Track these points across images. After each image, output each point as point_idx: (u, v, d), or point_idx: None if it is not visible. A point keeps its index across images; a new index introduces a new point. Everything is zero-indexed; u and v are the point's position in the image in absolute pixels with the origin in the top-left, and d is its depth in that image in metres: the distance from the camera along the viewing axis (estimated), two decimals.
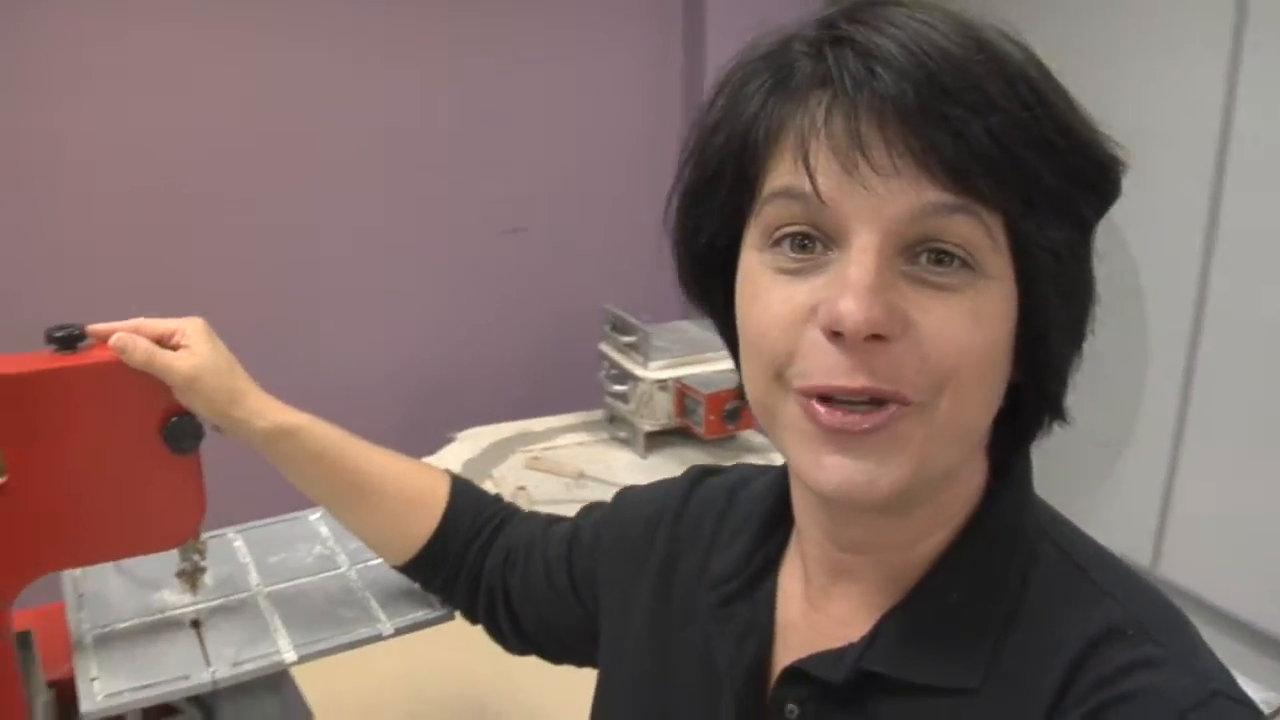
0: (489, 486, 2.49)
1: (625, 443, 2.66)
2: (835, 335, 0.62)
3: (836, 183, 0.62)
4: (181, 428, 1.03)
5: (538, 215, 3.04)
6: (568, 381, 2.97)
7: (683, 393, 2.55)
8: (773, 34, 0.68)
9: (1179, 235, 2.50)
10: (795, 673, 0.73)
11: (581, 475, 2.51)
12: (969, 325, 0.62)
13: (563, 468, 2.55)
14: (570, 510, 1.08)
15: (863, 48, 0.61)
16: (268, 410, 1.05)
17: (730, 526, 0.87)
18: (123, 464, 1.03)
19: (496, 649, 1.12)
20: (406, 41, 2.90)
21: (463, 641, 1.20)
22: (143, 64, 2.60)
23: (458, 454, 2.72)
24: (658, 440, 2.60)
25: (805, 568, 0.78)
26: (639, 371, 2.62)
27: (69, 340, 1.02)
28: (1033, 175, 0.61)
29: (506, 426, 2.85)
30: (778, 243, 0.66)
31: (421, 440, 2.64)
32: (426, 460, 2.14)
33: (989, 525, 0.71)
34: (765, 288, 0.66)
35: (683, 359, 2.62)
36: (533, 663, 1.11)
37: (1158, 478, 2.61)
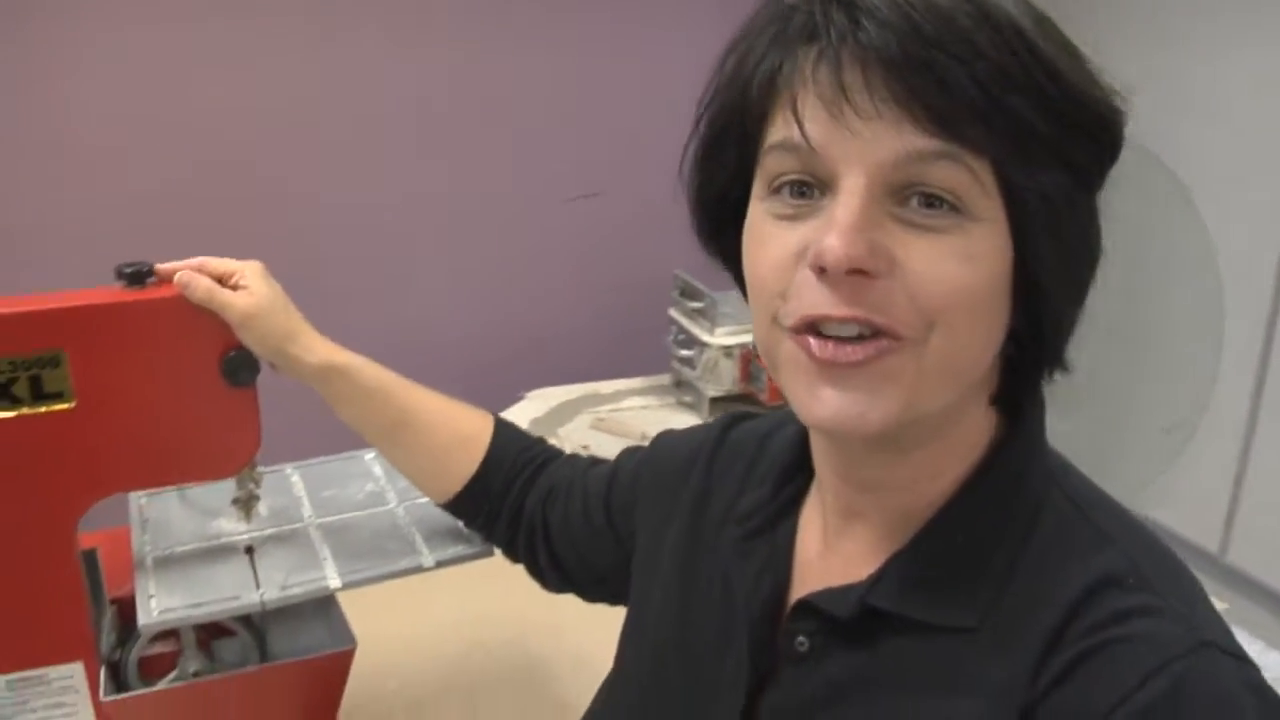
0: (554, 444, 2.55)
1: (690, 407, 2.70)
2: (821, 272, 0.64)
3: (824, 129, 0.64)
4: (239, 362, 1.09)
5: (611, 181, 3.08)
6: (636, 346, 3.00)
7: (748, 359, 2.57)
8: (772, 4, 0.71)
9: (1258, 217, 2.47)
10: (806, 607, 0.76)
11: (645, 437, 2.55)
12: (958, 264, 0.64)
13: (627, 429, 2.59)
14: None
15: (849, 2, 0.64)
16: (320, 348, 1.10)
17: (760, 469, 0.90)
18: (184, 394, 1.10)
19: (543, 598, 1.16)
20: (481, 12, 2.95)
21: (510, 590, 1.25)
22: (217, 40, 2.70)
23: (526, 412, 2.77)
24: (722, 406, 2.62)
25: (823, 510, 0.82)
26: (705, 337, 2.65)
27: (137, 276, 1.08)
28: (1021, 122, 0.63)
29: (575, 388, 2.90)
30: (777, 191, 0.68)
31: (492, 398, 2.68)
32: None
33: (995, 471, 0.74)
34: (766, 234, 0.69)
35: (749, 326, 2.64)
36: (578, 612, 1.15)
37: (1229, 464, 2.58)
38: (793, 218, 0.68)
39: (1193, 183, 2.69)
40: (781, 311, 0.68)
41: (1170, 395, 2.79)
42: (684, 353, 2.74)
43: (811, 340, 0.66)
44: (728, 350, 2.62)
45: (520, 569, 1.17)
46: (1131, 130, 0.69)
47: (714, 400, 2.59)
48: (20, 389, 1.04)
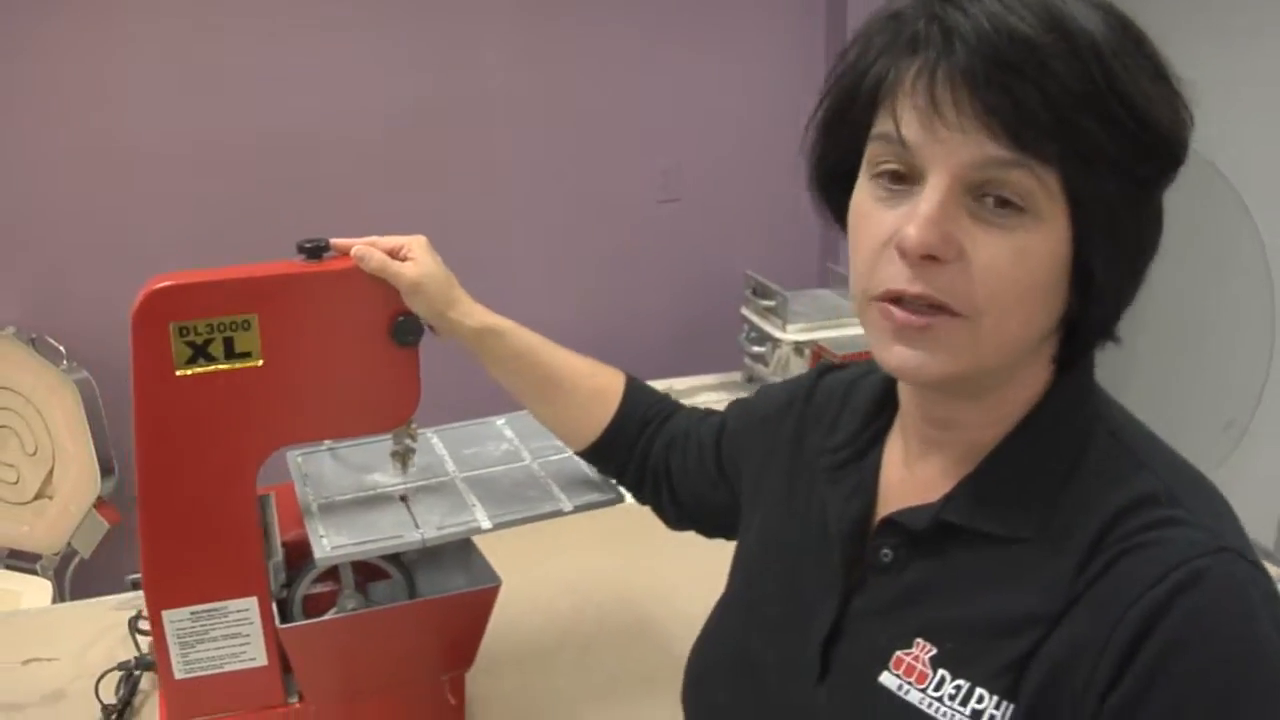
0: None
1: None
2: (902, 254, 0.78)
3: (917, 133, 0.78)
4: (407, 325, 1.23)
5: (689, 187, 3.23)
6: (710, 344, 3.14)
7: (819, 355, 2.68)
8: (895, 4, 0.84)
9: None
10: (890, 523, 0.90)
11: None
12: (1012, 261, 0.77)
13: None
14: None
15: (947, 25, 0.76)
16: (477, 313, 1.24)
17: (847, 411, 1.04)
18: (356, 354, 1.23)
19: (647, 563, 1.29)
20: (574, 24, 3.13)
21: (618, 554, 1.38)
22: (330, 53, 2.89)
23: None
24: None
25: (904, 442, 0.95)
26: (778, 334, 2.77)
27: (316, 251, 1.22)
28: (1088, 140, 0.75)
29: (651, 384, 3.03)
30: (879, 175, 0.82)
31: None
32: None
33: (1047, 412, 0.87)
34: (866, 213, 0.83)
35: (820, 323, 2.76)
36: (680, 575, 1.28)
37: None
38: (888, 200, 0.81)
39: (1243, 185, 2.78)
40: (870, 282, 0.82)
41: (1223, 393, 2.88)
42: (756, 349, 2.86)
43: (892, 308, 0.80)
44: (798, 346, 2.74)
45: (625, 537, 1.29)
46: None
47: None
48: (215, 349, 1.18)
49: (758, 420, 1.15)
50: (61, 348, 2.81)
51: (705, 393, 2.97)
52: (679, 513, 1.27)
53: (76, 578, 2.82)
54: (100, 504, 2.74)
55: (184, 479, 1.21)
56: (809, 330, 2.75)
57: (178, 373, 1.17)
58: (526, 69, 3.10)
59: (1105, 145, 0.75)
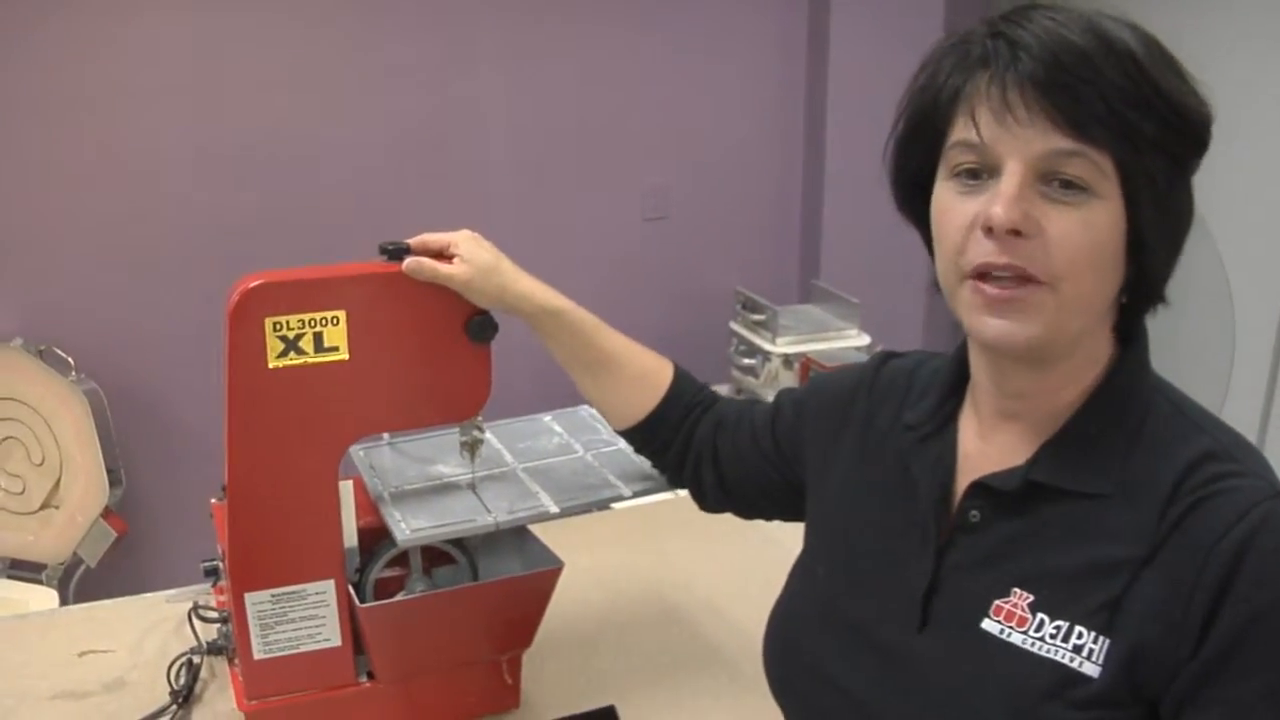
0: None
1: None
2: (989, 231, 0.90)
3: (993, 132, 0.91)
4: (482, 323, 1.31)
5: (677, 205, 3.33)
6: (699, 358, 3.23)
7: (808, 366, 2.78)
8: (958, 32, 0.97)
9: (1269, 235, 2.67)
10: (978, 486, 1.01)
11: None
12: (1082, 231, 0.90)
13: None
14: None
15: (1011, 40, 0.90)
16: (535, 295, 1.32)
17: (916, 391, 1.15)
18: (434, 349, 1.32)
19: (673, 558, 1.36)
20: (564, 43, 3.23)
21: (644, 552, 1.45)
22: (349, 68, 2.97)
23: (596, 416, 2.99)
24: None
25: (978, 415, 1.07)
26: (768, 346, 2.87)
27: (397, 253, 1.31)
28: (1134, 127, 0.89)
29: None
30: (957, 174, 0.95)
31: (563, 402, 2.94)
32: None
33: (1115, 381, 0.99)
34: (949, 205, 0.96)
35: (808, 336, 2.86)
36: (703, 569, 1.37)
37: None
38: (968, 193, 0.94)
39: (1203, 204, 2.92)
40: (961, 261, 0.94)
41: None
42: (746, 361, 2.96)
43: (983, 285, 0.92)
44: (788, 359, 2.84)
45: (646, 534, 1.36)
46: None
47: None
48: (305, 343, 1.26)
49: (827, 402, 1.25)
50: (70, 359, 2.85)
51: None
52: (721, 493, 1.36)
53: (82, 586, 2.85)
54: (108, 513, 2.79)
55: (272, 467, 1.28)
56: (798, 343, 2.85)
57: (270, 365, 1.25)
58: (516, 85, 3.19)
59: (1148, 131, 0.89)
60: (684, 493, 1.40)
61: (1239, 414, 2.91)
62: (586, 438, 1.55)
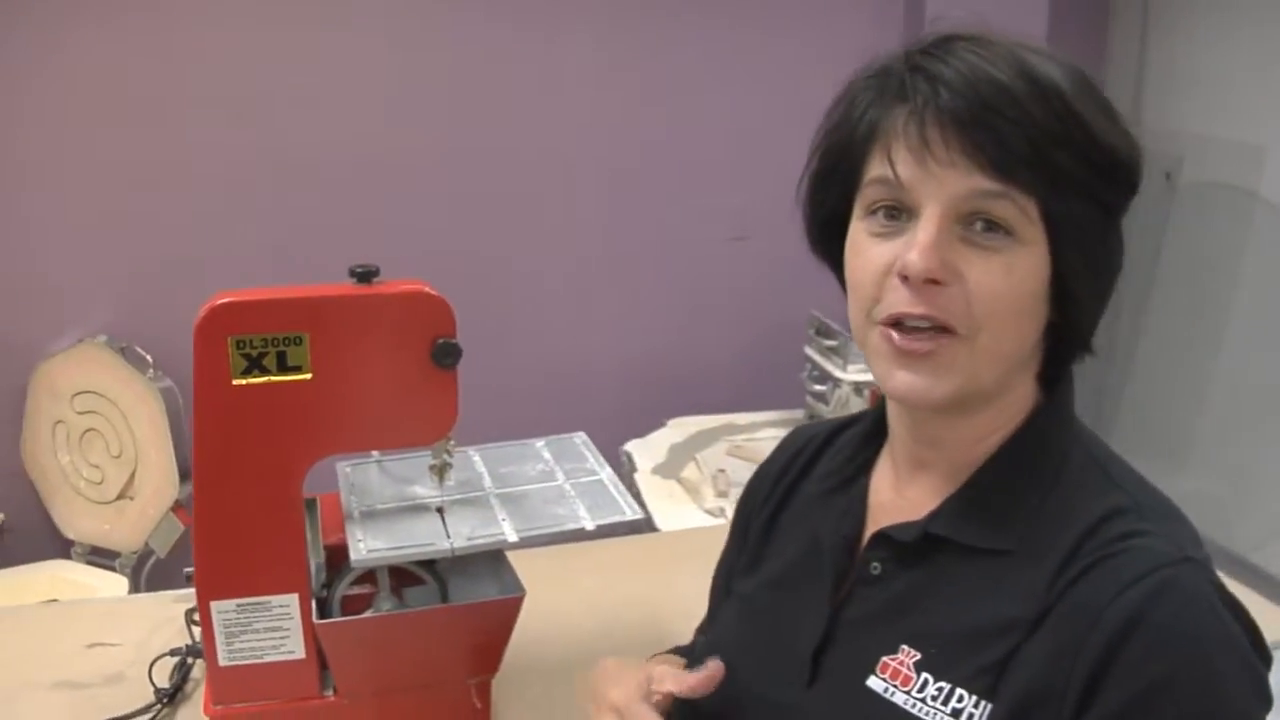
0: (692, 469, 2.75)
1: None
2: (904, 279, 0.86)
3: (911, 171, 0.86)
4: (446, 349, 1.31)
5: (758, 226, 3.30)
6: (772, 381, 3.20)
7: (876, 395, 2.72)
8: (874, 62, 0.93)
9: None
10: (880, 537, 0.98)
11: None
12: (1003, 278, 0.85)
13: (760, 456, 2.76)
14: None
15: (931, 75, 0.86)
16: None
17: (832, 449, 1.13)
18: (398, 372, 1.32)
19: (670, 589, 1.32)
20: (644, 65, 3.24)
21: (646, 581, 1.42)
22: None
23: (668, 437, 2.98)
24: None
25: (894, 465, 1.03)
26: (838, 373, 2.83)
27: (366, 275, 1.31)
28: (1061, 170, 0.84)
29: (713, 418, 3.11)
30: (873, 213, 0.91)
31: (638, 424, 2.96)
32: (636, 441, 2.41)
33: (1031, 432, 0.94)
34: (864, 248, 0.92)
35: None
36: (701, 598, 1.34)
37: None
38: (884, 235, 0.90)
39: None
40: (875, 310, 0.90)
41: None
42: (817, 387, 2.92)
43: (894, 334, 0.88)
44: (858, 387, 2.79)
45: (650, 563, 1.33)
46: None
47: None
48: (269, 361, 1.27)
49: (750, 502, 1.23)
50: (149, 357, 2.94)
51: (766, 428, 3.02)
52: None
53: (152, 575, 2.95)
54: (177, 507, 2.87)
55: (236, 480, 1.30)
56: (869, 371, 2.79)
57: (234, 382, 1.27)
58: (598, 106, 3.20)
59: (1074, 173, 0.85)
60: (681, 526, 1.39)
61: None
62: (570, 466, 1.54)
